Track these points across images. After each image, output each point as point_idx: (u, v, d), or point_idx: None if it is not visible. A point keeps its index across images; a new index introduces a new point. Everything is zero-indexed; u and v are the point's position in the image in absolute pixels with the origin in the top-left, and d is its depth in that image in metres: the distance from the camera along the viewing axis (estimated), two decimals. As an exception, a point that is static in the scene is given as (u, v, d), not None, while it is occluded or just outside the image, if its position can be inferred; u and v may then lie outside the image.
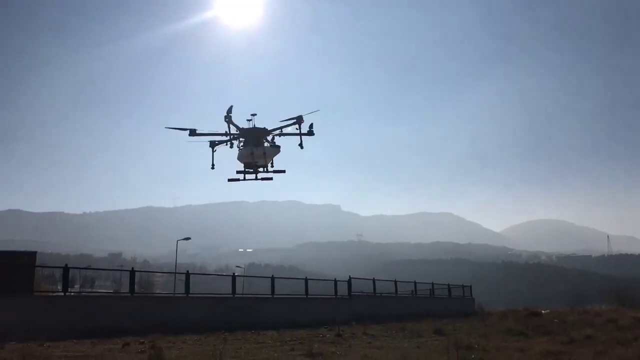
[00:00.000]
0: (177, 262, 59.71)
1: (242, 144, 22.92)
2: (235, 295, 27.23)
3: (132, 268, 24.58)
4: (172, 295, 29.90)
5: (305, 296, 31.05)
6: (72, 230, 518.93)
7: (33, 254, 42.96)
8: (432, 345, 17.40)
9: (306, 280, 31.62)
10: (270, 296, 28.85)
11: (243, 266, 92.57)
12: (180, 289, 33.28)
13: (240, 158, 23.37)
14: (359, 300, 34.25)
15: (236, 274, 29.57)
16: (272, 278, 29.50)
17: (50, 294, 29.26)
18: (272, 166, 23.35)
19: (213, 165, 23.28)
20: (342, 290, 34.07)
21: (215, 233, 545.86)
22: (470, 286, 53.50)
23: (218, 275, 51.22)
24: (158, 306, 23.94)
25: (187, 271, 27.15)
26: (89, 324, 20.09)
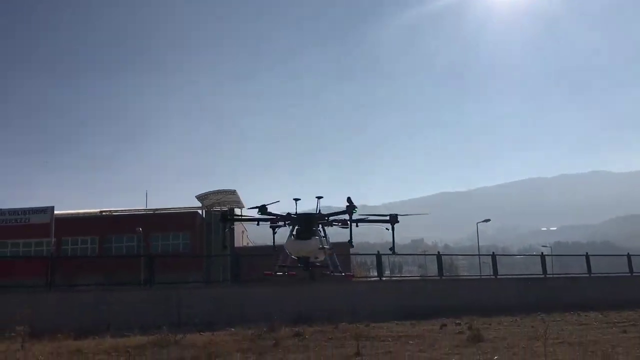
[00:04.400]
0: (477, 244, 59.58)
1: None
2: (547, 276, 25.89)
3: (438, 252, 25.34)
4: (479, 277, 29.88)
5: (629, 274, 27.82)
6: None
7: (347, 244, 47.80)
8: None
9: (629, 256, 28.28)
10: (587, 275, 26.62)
11: (549, 245, 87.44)
12: (485, 271, 33.00)
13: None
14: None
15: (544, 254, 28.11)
16: (587, 256, 27.18)
17: (365, 279, 32.07)
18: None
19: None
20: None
21: (512, 213, 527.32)
22: None
23: (525, 255, 49.33)
24: (467, 289, 24.14)
25: (493, 253, 26.78)
26: (404, 306, 21.39)
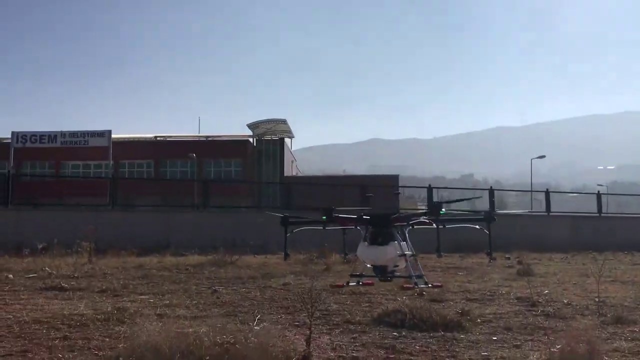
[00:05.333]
0: (529, 181, 58.51)
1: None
2: (602, 215, 25.37)
3: (491, 187, 25.08)
4: (528, 213, 29.51)
5: (689, 216, 27.00)
6: (425, 155, 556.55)
7: (396, 177, 47.92)
8: None
9: (690, 197, 27.32)
10: (644, 215, 25.97)
11: (605, 184, 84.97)
12: (536, 208, 32.48)
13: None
14: None
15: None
16: (645, 195, 26.40)
17: (411, 210, 32.13)
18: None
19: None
20: None
21: (568, 150, 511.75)
22: None
23: (579, 193, 48.21)
24: (518, 224, 23.92)
25: (547, 189, 26.33)
26: (453, 240, 21.46)
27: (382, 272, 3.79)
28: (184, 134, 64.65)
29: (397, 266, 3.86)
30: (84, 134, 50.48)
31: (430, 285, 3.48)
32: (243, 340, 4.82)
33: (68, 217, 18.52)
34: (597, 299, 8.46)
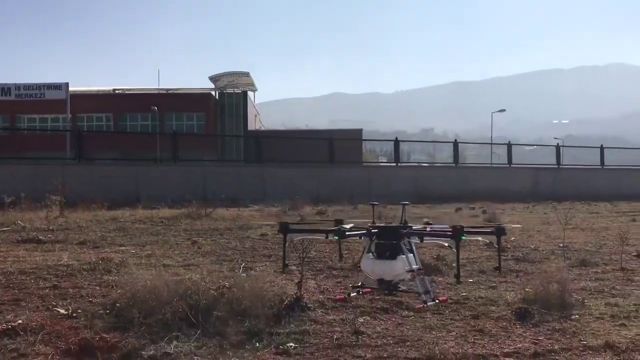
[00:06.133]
0: (487, 136, 59.70)
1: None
2: (560, 166, 26.30)
3: (455, 140, 25.58)
4: (493, 165, 30.32)
5: (640, 167, 28.23)
6: (386, 109, 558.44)
7: (360, 130, 48.08)
8: None
9: (642, 150, 28.51)
10: (600, 167, 26.99)
11: (560, 138, 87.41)
12: (495, 161, 33.34)
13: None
14: None
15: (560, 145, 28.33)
16: (601, 148, 27.39)
17: (374, 163, 32.58)
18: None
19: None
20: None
21: (526, 105, 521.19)
22: None
23: (540, 145, 49.53)
24: (481, 176, 24.62)
25: (509, 142, 27.00)
26: (419, 191, 22.02)
27: (388, 287, 3.69)
28: (143, 86, 63.01)
29: (402, 279, 3.73)
30: (40, 86, 48.69)
31: (437, 301, 3.45)
32: (238, 285, 4.99)
33: (35, 171, 18.15)
34: (561, 245, 8.97)
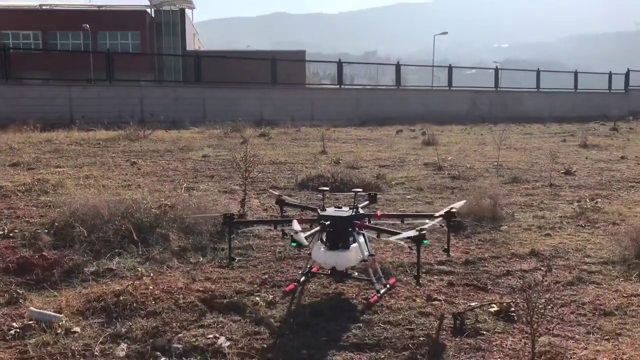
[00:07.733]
0: (429, 59, 59.95)
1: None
2: (498, 89, 26.89)
3: (398, 62, 25.56)
4: (433, 88, 30.65)
5: (573, 90, 29.20)
6: (330, 31, 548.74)
7: (303, 52, 47.20)
8: None
9: (576, 73, 29.40)
10: (535, 90, 27.79)
11: (499, 62, 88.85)
12: (436, 84, 33.78)
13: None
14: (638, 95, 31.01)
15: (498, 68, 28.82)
16: (538, 71, 28.10)
17: (317, 86, 32.34)
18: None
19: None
20: (618, 85, 31.02)
21: (468, 28, 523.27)
22: None
23: (479, 68, 50.22)
24: (421, 99, 24.91)
25: (450, 65, 27.22)
26: (361, 114, 22.17)
27: (339, 275, 3.61)
28: (73, 2, 59.08)
29: (354, 268, 3.65)
30: (-44, -2, 44.91)
31: (388, 285, 3.42)
32: (183, 203, 4.99)
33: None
34: (495, 163, 9.36)
